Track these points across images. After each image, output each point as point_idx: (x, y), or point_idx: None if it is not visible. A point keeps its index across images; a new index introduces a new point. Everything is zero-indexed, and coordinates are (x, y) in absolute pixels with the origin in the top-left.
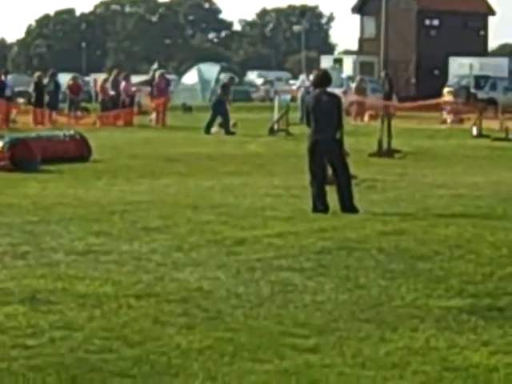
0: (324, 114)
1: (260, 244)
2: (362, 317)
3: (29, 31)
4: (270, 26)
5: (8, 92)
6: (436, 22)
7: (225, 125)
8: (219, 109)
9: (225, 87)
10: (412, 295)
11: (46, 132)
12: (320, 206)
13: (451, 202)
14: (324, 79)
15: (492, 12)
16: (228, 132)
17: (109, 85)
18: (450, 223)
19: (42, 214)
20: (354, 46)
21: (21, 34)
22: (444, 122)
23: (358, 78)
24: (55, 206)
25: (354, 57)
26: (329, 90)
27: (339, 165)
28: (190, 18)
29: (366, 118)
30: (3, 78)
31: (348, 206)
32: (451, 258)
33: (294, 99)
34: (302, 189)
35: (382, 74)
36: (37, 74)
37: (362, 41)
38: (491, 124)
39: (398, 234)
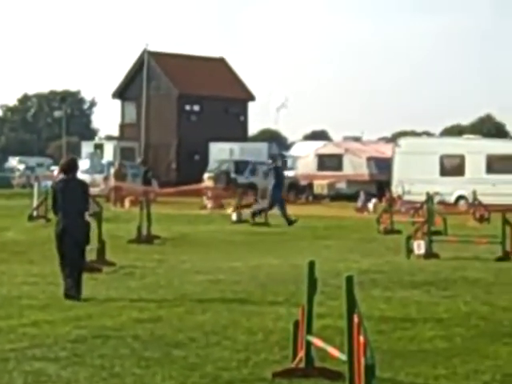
0: (72, 199)
1: (15, 334)
2: None
3: None
4: (32, 111)
5: None
6: (197, 108)
7: None
8: None
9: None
10: (167, 383)
11: None
12: (72, 292)
13: (209, 288)
14: (71, 165)
15: (252, 98)
16: None
17: None
18: (207, 309)
19: None
20: (116, 132)
21: None
22: (204, 207)
23: (116, 163)
24: None
25: (115, 142)
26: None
27: (80, 251)
28: None
29: (127, 203)
30: None
31: (72, 293)
32: (207, 345)
33: None
34: (60, 276)
35: (139, 159)
36: None
37: (122, 126)
38: (252, 209)
39: (154, 321)
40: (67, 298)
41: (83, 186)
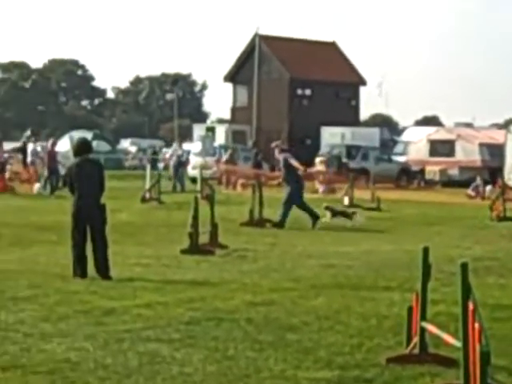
0: (86, 180)
1: (129, 314)
2: None
3: None
4: (144, 93)
5: None
6: (308, 92)
7: None
8: None
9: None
10: (280, 366)
11: None
12: (78, 271)
13: (321, 272)
14: (84, 147)
15: (363, 82)
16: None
17: None
18: (320, 294)
19: None
20: (227, 115)
21: None
22: (316, 191)
23: (231, 148)
24: None
25: (227, 125)
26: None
27: (98, 231)
28: (63, 84)
29: (239, 187)
30: None
31: (102, 273)
32: (320, 329)
33: (166, 167)
34: (173, 258)
35: (250, 143)
36: None
37: (234, 109)
38: (363, 194)
39: (267, 304)
40: (75, 277)
41: (98, 166)
